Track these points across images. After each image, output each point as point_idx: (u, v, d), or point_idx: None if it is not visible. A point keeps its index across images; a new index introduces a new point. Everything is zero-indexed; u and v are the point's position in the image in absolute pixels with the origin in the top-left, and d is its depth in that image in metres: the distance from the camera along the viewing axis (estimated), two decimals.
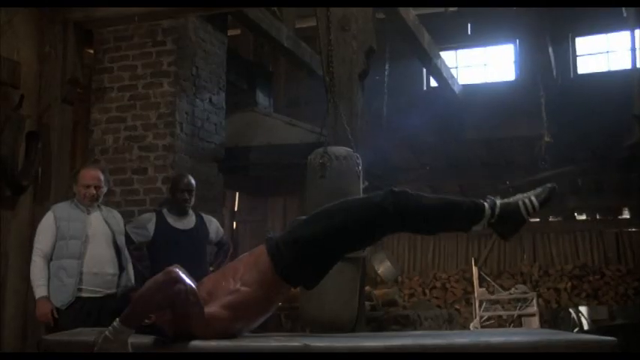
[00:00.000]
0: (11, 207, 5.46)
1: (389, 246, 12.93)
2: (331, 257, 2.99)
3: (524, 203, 3.01)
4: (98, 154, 5.98)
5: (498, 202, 2.99)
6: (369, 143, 5.88)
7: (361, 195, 3.07)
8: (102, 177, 4.57)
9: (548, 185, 3.10)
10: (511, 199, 3.02)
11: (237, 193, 10.54)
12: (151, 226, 4.88)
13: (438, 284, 12.22)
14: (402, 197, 2.92)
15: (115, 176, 5.82)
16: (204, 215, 5.14)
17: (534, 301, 9.98)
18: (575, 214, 12.03)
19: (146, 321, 2.78)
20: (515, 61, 10.99)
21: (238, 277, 2.92)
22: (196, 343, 2.73)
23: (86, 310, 4.29)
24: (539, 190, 3.07)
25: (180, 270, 2.75)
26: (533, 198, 3.02)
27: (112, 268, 4.49)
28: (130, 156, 5.92)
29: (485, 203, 2.98)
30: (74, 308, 4.28)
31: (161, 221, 4.91)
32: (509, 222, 3.02)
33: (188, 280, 2.76)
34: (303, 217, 3.07)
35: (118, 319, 2.67)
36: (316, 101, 7.84)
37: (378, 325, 6.22)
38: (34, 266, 4.36)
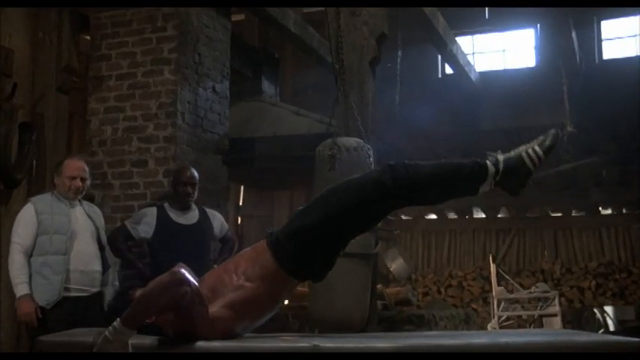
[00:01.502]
0: (4, 201, 5.49)
1: (402, 242, 12.93)
2: (335, 245, 2.99)
3: (527, 154, 3.01)
4: (96, 145, 5.99)
5: (501, 157, 3.00)
6: (381, 134, 5.88)
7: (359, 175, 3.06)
8: (86, 168, 4.53)
9: (551, 131, 3.09)
10: (513, 152, 3.02)
11: (242, 187, 10.57)
12: (152, 222, 4.88)
13: (454, 282, 12.22)
14: (401, 170, 2.93)
15: (113, 169, 5.83)
16: (207, 210, 5.14)
17: (556, 300, 9.95)
18: (600, 208, 11.97)
19: (146, 321, 2.79)
20: (535, 47, 10.94)
21: (241, 272, 2.93)
22: (200, 344, 2.74)
23: (71, 309, 4.26)
24: (541, 137, 3.08)
25: (185, 270, 2.76)
26: (536, 147, 3.03)
27: (98, 266, 4.47)
28: (129, 148, 5.92)
29: (488, 161, 2.99)
30: (61, 307, 4.23)
31: (162, 216, 4.92)
32: (515, 176, 3.02)
33: (194, 281, 2.77)
34: (302, 206, 3.07)
35: (118, 319, 2.68)
36: (325, 90, 7.84)
37: (391, 325, 6.23)
38: (13, 262, 4.26)
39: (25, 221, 4.34)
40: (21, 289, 4.21)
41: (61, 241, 4.31)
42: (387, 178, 2.91)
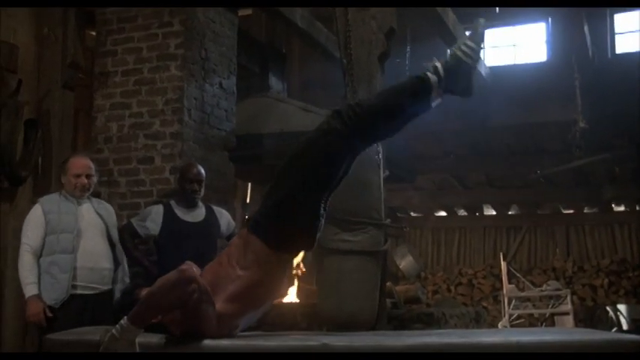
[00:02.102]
0: (9, 199, 5.50)
1: (411, 240, 12.93)
2: (313, 208, 3.02)
3: (462, 51, 3.06)
4: (101, 142, 6.00)
5: (437, 63, 3.05)
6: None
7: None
8: (92, 165, 4.56)
9: (479, 20, 3.13)
10: (448, 55, 3.09)
11: (249, 184, 10.56)
12: (159, 219, 4.89)
13: (464, 280, 12.22)
14: (348, 111, 2.98)
15: (119, 166, 5.84)
16: (214, 207, 5.15)
17: (568, 298, 9.94)
18: (613, 204, 11.95)
19: (153, 320, 2.80)
20: (547, 41, 10.89)
21: (235, 263, 2.96)
22: (208, 343, 2.74)
23: (81, 307, 4.28)
24: (470, 32, 3.16)
25: (193, 268, 2.77)
26: (468, 42, 3.08)
27: (107, 263, 4.49)
28: (135, 144, 5.93)
29: (427, 73, 3.04)
30: (69, 306, 4.25)
31: (169, 214, 4.92)
32: (459, 77, 3.08)
33: (202, 280, 2.78)
34: (270, 184, 3.12)
35: (125, 317, 2.69)
36: (333, 85, 7.81)
37: (400, 323, 6.22)
38: (22, 263, 4.31)
39: (33, 222, 4.39)
40: (29, 290, 4.26)
41: (68, 239, 4.33)
42: (337, 124, 2.96)
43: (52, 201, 4.47)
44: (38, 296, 4.24)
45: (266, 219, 3.00)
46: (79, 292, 4.32)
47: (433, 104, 3.07)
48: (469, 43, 3.06)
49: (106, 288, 4.46)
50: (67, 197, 4.48)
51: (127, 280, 4.64)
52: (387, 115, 3.04)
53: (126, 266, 4.69)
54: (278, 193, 3.00)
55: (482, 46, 3.11)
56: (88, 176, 4.50)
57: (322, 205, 3.06)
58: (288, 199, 2.96)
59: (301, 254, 3.20)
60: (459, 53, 3.05)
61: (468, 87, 3.11)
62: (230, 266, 2.97)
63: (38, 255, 4.33)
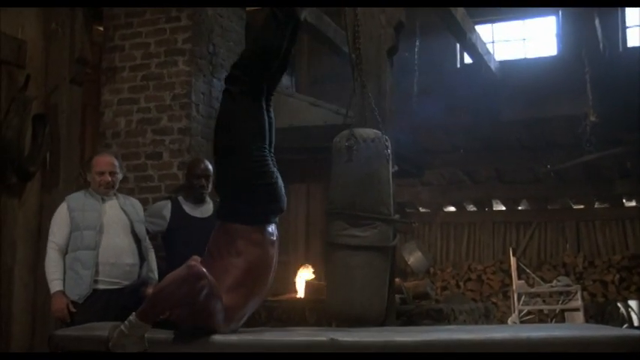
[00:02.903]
0: (18, 195, 5.53)
1: (420, 235, 12.92)
2: (258, 168, 3.15)
3: None
4: (109, 137, 6.02)
5: None
6: (399, 125, 5.86)
7: None
8: (116, 163, 4.68)
9: None
10: None
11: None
12: (167, 215, 4.91)
13: (473, 276, 12.20)
14: (237, 68, 3.25)
15: (127, 162, 5.85)
16: None
17: (578, 294, 9.91)
18: (624, 199, 11.89)
19: (161, 316, 2.81)
20: (557, 35, 10.84)
21: (224, 253, 3.02)
22: (217, 338, 2.75)
23: (104, 302, 4.35)
24: None
25: (201, 263, 2.79)
26: None
27: (130, 258, 4.55)
28: (143, 140, 5.95)
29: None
30: (92, 301, 4.34)
31: (177, 209, 4.95)
32: None
33: (211, 276, 2.79)
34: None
35: (134, 313, 2.70)
36: (341, 80, 7.79)
37: (409, 319, 6.22)
38: (48, 260, 4.44)
39: (59, 219, 4.52)
40: (54, 286, 4.38)
41: (90, 236, 4.43)
42: (235, 86, 3.19)
43: (77, 199, 4.59)
44: (62, 292, 4.35)
45: (229, 202, 3.12)
46: (101, 287, 4.40)
47: (300, 16, 3.29)
48: None
49: (129, 283, 4.52)
50: (92, 194, 4.60)
51: (152, 275, 4.68)
52: (266, 48, 3.22)
53: (152, 262, 4.75)
54: (223, 175, 3.17)
55: None
56: (112, 174, 4.63)
57: (269, 160, 3.19)
58: (236, 174, 3.10)
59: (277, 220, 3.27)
60: None
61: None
62: (220, 257, 3.01)
63: (64, 252, 4.45)
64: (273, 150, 3.30)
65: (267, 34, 3.23)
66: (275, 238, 3.19)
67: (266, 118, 3.26)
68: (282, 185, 3.22)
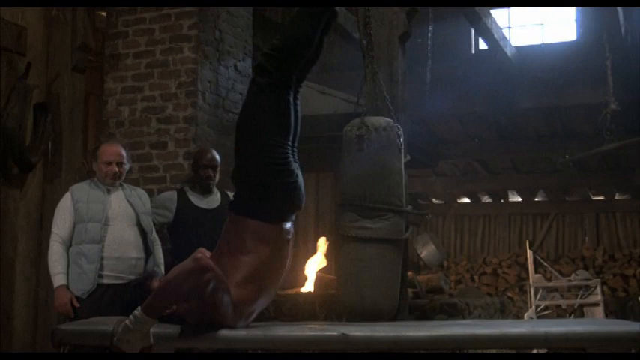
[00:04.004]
0: (19, 186, 5.55)
1: (433, 227, 12.92)
2: (279, 165, 3.10)
3: None
4: (113, 127, 6.03)
5: None
6: (411, 113, 5.85)
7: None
8: (124, 153, 4.62)
9: None
10: None
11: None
12: (173, 206, 4.92)
13: (488, 270, 12.19)
14: (267, 58, 3.15)
15: (132, 151, 5.78)
16: (229, 193, 5.15)
17: (598, 288, 9.88)
18: None
19: (167, 311, 2.82)
20: (576, 19, 10.77)
21: (234, 249, 3.01)
22: (225, 333, 2.76)
23: (109, 298, 4.34)
24: None
25: (207, 255, 2.79)
26: None
27: (136, 252, 4.52)
28: (147, 129, 5.95)
29: None
30: (95, 296, 4.32)
31: (183, 200, 4.95)
32: None
33: (218, 268, 2.79)
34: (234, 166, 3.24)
35: (139, 307, 2.71)
36: (352, 67, 7.80)
37: (422, 314, 6.24)
38: (51, 253, 4.40)
39: (62, 211, 4.48)
40: (57, 280, 4.34)
41: (95, 229, 4.40)
42: (264, 77, 3.12)
43: (81, 189, 4.54)
44: (66, 286, 4.32)
45: (245, 197, 3.09)
46: (106, 281, 4.38)
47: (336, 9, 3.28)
48: None
49: (134, 277, 4.49)
50: (97, 185, 4.55)
51: (159, 269, 4.66)
52: (300, 40, 3.17)
53: (158, 255, 4.72)
54: (243, 168, 3.12)
55: None
56: (120, 164, 4.57)
57: (292, 159, 3.14)
58: (256, 169, 3.06)
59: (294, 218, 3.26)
60: None
61: None
62: (230, 253, 3.00)
63: (67, 244, 4.42)
64: (297, 145, 3.25)
65: (300, 24, 3.19)
66: (289, 237, 3.17)
67: (292, 112, 3.20)
68: (302, 183, 3.18)
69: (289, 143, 3.15)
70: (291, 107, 3.19)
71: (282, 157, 3.09)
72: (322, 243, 7.33)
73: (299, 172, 3.16)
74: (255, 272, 2.95)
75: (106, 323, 2.94)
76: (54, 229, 4.45)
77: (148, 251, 4.61)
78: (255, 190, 3.04)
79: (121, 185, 4.65)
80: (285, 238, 3.13)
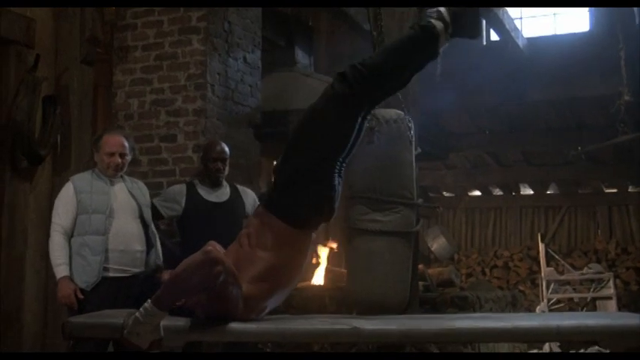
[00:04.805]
0: (29, 179, 5.58)
1: (444, 220, 12.90)
2: (325, 178, 3.06)
3: None
4: (122, 119, 6.04)
5: (442, 9, 3.05)
6: (422, 105, 5.83)
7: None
8: (126, 144, 4.56)
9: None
10: None
11: (275, 162, 10.58)
12: (182, 199, 4.92)
13: (500, 263, 12.17)
14: (354, 72, 3.01)
15: (141, 144, 5.87)
16: (239, 186, 5.17)
17: (611, 282, 9.84)
18: None
19: (177, 303, 2.83)
20: (589, 9, 10.71)
21: (254, 244, 2.99)
22: (235, 326, 2.76)
23: (113, 291, 4.33)
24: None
25: (217, 248, 2.79)
26: None
27: (139, 245, 4.51)
28: (157, 122, 5.96)
29: (431, 20, 3.04)
30: (100, 289, 4.30)
31: (192, 193, 4.96)
32: (465, 18, 3.09)
33: (228, 261, 2.79)
34: (278, 160, 3.16)
35: (149, 300, 2.72)
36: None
37: (433, 307, 6.23)
38: (53, 244, 4.35)
39: (65, 201, 4.42)
40: (60, 271, 4.30)
41: (99, 220, 4.37)
42: (343, 87, 3.00)
43: (84, 179, 4.49)
44: (69, 278, 4.28)
45: (280, 195, 3.04)
46: (110, 274, 4.36)
47: (440, 50, 3.11)
48: None
49: (137, 270, 4.48)
50: (99, 176, 4.50)
51: (160, 262, 4.65)
52: (394, 71, 3.09)
53: (159, 247, 4.70)
54: (289, 166, 3.04)
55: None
56: (122, 155, 4.52)
57: (337, 174, 3.08)
58: (300, 172, 3.00)
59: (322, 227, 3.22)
60: None
61: (475, 28, 3.13)
62: (250, 248, 2.99)
63: (69, 235, 4.37)
64: (347, 161, 3.19)
65: (401, 56, 3.08)
66: (310, 246, 3.17)
67: (355, 131, 3.12)
68: (338, 198, 3.15)
69: (341, 158, 3.11)
70: (356, 126, 3.11)
71: (329, 169, 3.04)
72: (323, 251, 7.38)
73: (339, 188, 3.11)
74: (269, 271, 2.94)
75: (116, 316, 2.95)
76: (55, 219, 4.39)
77: (150, 244, 4.59)
78: (292, 191, 2.99)
79: (122, 177, 4.60)
80: (307, 247, 3.13)
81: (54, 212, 4.45)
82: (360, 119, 3.12)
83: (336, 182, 3.08)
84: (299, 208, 3.00)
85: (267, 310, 3.03)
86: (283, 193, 3.02)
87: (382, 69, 3.04)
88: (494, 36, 10.35)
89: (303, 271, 3.17)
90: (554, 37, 10.76)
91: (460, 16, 3.04)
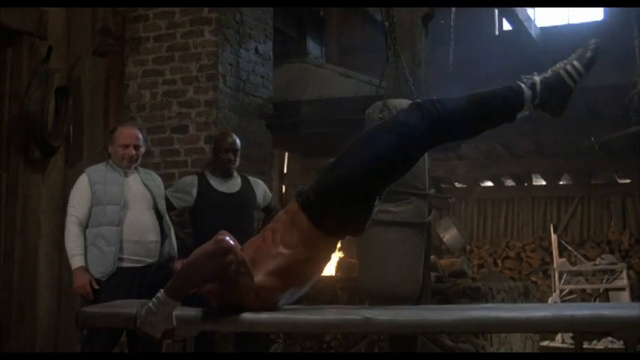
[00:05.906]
0: (41, 170, 5.60)
1: (456, 211, 12.87)
2: (368, 198, 3.01)
3: (567, 72, 3.01)
4: (134, 110, 6.06)
5: (537, 78, 3.01)
6: (434, 95, 5.81)
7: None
8: (140, 136, 4.60)
9: (591, 41, 3.07)
10: (550, 71, 3.02)
11: (287, 153, 10.60)
12: (193, 190, 4.94)
13: (512, 254, 12.14)
14: (431, 108, 2.94)
15: (153, 135, 5.89)
16: (250, 178, 5.18)
17: (624, 273, 9.82)
18: None
19: (190, 292, 2.84)
20: None
21: (278, 240, 2.97)
22: (247, 316, 2.77)
23: (127, 281, 4.36)
24: (580, 51, 3.06)
25: (230, 238, 2.79)
26: (575, 62, 3.02)
27: (153, 235, 4.54)
28: (169, 113, 5.98)
29: (523, 85, 2.99)
30: (115, 279, 4.34)
31: (204, 184, 4.97)
32: (555, 96, 3.02)
33: (239, 250, 2.80)
34: (329, 162, 3.09)
35: (162, 290, 2.73)
36: (374, 49, 7.75)
37: (445, 298, 6.23)
38: (68, 234, 4.40)
39: (79, 192, 4.47)
40: (76, 262, 4.35)
41: (114, 211, 4.41)
42: (416, 118, 2.94)
43: (98, 171, 4.54)
44: (84, 268, 4.33)
45: (319, 199, 2.98)
46: (125, 265, 4.40)
47: (518, 117, 3.04)
48: (576, 64, 3.01)
49: (152, 261, 4.51)
50: (113, 167, 4.54)
51: (174, 253, 4.67)
52: (470, 120, 3.01)
53: (173, 238, 4.72)
54: (338, 174, 2.97)
55: (590, 70, 3.03)
56: (136, 147, 4.55)
57: (379, 196, 3.06)
58: (348, 184, 2.94)
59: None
60: (562, 74, 3.00)
61: (560, 109, 3.04)
62: (273, 243, 2.98)
63: (84, 226, 4.41)
64: (390, 186, 3.14)
65: (488, 105, 3.02)
66: (333, 253, 3.16)
67: (411, 164, 3.10)
68: (371, 217, 3.13)
69: (388, 183, 3.08)
70: (412, 160, 3.08)
71: (376, 190, 3.02)
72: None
73: (375, 210, 3.08)
74: (288, 268, 2.94)
75: (129, 306, 2.96)
76: (70, 211, 4.44)
77: (164, 235, 4.62)
78: (331, 200, 2.96)
79: (136, 168, 4.64)
80: (331, 253, 3.12)
81: (69, 203, 4.49)
82: (418, 155, 3.10)
83: (375, 204, 3.06)
84: (334, 219, 2.98)
85: (279, 305, 3.02)
86: (322, 199, 2.97)
87: (458, 113, 2.97)
88: (506, 25, 10.31)
89: (320, 273, 3.16)
90: (568, 26, 10.71)
91: (550, 93, 2.99)
